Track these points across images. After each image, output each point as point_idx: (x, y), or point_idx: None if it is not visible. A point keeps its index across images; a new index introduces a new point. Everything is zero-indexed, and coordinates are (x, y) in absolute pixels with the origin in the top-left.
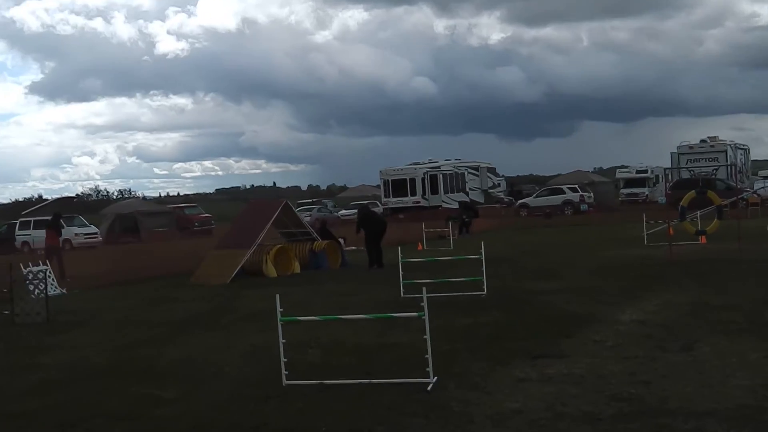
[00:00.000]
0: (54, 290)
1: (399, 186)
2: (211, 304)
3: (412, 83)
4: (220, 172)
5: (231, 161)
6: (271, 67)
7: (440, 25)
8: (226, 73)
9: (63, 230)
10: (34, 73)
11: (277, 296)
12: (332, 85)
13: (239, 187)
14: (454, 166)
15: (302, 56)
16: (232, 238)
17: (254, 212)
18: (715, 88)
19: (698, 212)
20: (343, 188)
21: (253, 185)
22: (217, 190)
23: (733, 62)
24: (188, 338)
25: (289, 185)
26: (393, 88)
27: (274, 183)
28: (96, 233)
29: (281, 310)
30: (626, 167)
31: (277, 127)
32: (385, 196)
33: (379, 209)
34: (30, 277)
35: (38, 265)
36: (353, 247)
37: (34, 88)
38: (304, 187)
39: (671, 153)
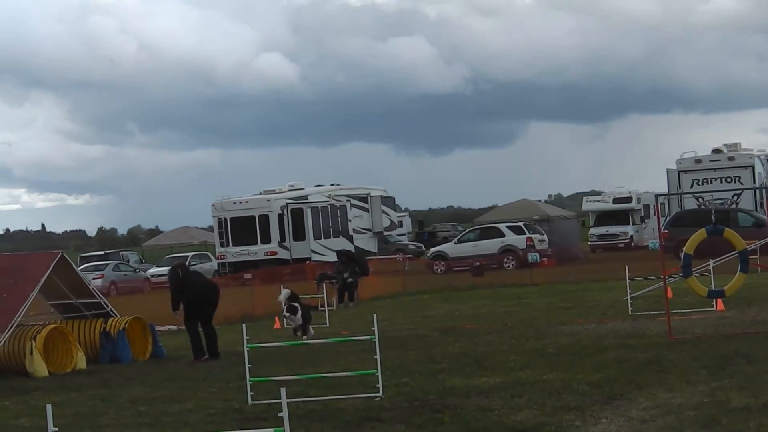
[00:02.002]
0: None
1: (243, 228)
2: None
3: (257, 63)
4: None
5: None
6: (30, 37)
7: None
8: None
9: None
10: None
11: (49, 407)
12: (129, 67)
13: None
14: (329, 196)
15: (79, 21)
16: None
17: (9, 273)
18: (732, 69)
19: (711, 262)
20: (155, 232)
21: (8, 229)
22: None
23: (761, 27)
24: None
25: (68, 228)
26: (227, 72)
27: (43, 225)
28: None
29: (55, 429)
30: (598, 194)
31: (44, 135)
32: (222, 245)
33: (209, 266)
34: None
35: None
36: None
37: None
38: (90, 231)
39: (668, 170)
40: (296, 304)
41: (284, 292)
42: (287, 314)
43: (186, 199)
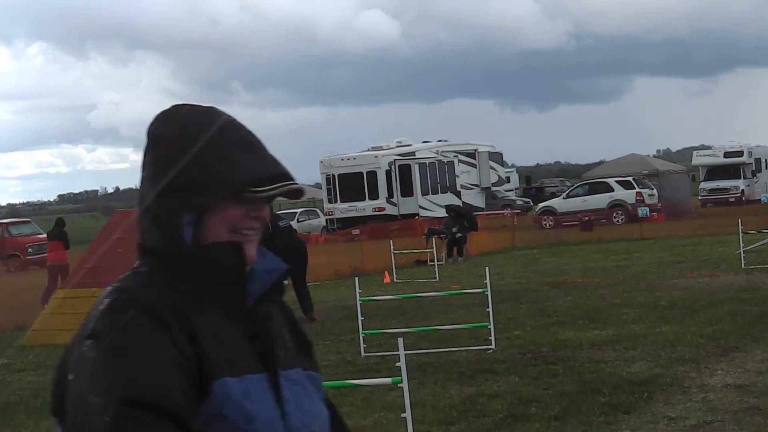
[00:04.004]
0: None
1: (351, 184)
2: None
3: (359, 22)
4: (63, 168)
5: (80, 150)
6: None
7: None
8: (61, 9)
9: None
10: None
11: None
12: (233, 28)
13: (96, 191)
14: (437, 152)
15: None
16: (91, 271)
17: (124, 229)
18: None
19: None
20: None
21: (118, 188)
22: (60, 196)
23: None
24: None
25: None
26: (329, 32)
27: None
28: None
29: None
30: (709, 148)
31: (149, 94)
32: (330, 201)
33: (317, 222)
34: None
35: None
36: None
37: None
38: None
39: None
40: None
41: None
42: None
43: (292, 157)
